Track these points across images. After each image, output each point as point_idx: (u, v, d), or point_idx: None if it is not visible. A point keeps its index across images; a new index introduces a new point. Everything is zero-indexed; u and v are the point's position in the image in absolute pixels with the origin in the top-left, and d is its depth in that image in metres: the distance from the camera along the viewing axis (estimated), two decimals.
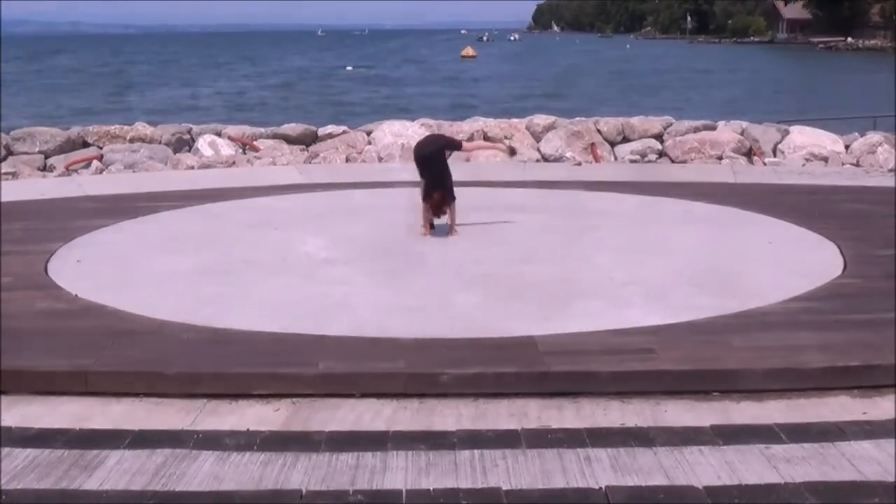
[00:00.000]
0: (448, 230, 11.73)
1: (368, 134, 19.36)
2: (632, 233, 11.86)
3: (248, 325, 7.97)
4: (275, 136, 19.59)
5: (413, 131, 18.73)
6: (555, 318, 8.19)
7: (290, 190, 15.30)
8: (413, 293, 9.06)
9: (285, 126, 20.05)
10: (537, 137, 19.35)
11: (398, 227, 12.19)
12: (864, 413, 6.25)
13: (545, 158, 18.66)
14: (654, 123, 19.63)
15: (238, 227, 12.45)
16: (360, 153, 18.68)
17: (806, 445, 5.38)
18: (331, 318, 8.25)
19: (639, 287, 9.24)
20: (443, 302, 8.78)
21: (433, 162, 11.49)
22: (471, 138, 17.89)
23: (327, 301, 8.87)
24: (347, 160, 18.43)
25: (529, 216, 12.92)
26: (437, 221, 11.84)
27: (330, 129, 19.79)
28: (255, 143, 19.19)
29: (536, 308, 8.57)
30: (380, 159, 18.40)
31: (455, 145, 12.01)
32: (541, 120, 19.75)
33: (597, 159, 18.32)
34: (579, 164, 18.01)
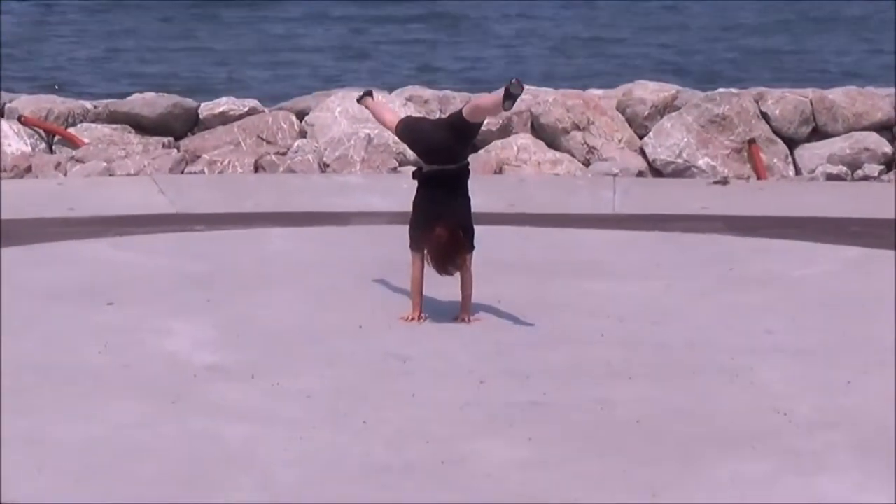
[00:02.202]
0: (458, 311, 8.39)
1: (301, 117, 13.44)
2: (829, 323, 8.59)
3: (47, 499, 6.10)
4: (113, 119, 13.37)
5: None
6: (675, 491, 6.24)
7: (144, 225, 11.05)
8: (388, 438, 6.77)
9: (135, 98, 13.61)
10: (640, 128, 12.99)
11: (355, 303, 8.94)
12: None
13: (656, 169, 12.78)
14: (878, 101, 12.94)
15: (35, 298, 9.07)
16: (285, 154, 13.00)
17: None
18: (217, 487, 6.22)
19: (841, 431, 6.92)
20: (448, 457, 6.54)
21: (447, 159, 8.05)
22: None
23: (211, 453, 6.58)
24: (258, 168, 12.94)
25: (623, 286, 9.45)
26: (431, 292, 8.51)
27: (224, 104, 13.58)
28: (71, 130, 13.25)
29: (638, 471, 6.48)
30: (323, 167, 12.87)
31: (460, 119, 8.19)
32: (648, 93, 13.18)
33: (760, 172, 12.69)
34: (724, 180, 12.45)
